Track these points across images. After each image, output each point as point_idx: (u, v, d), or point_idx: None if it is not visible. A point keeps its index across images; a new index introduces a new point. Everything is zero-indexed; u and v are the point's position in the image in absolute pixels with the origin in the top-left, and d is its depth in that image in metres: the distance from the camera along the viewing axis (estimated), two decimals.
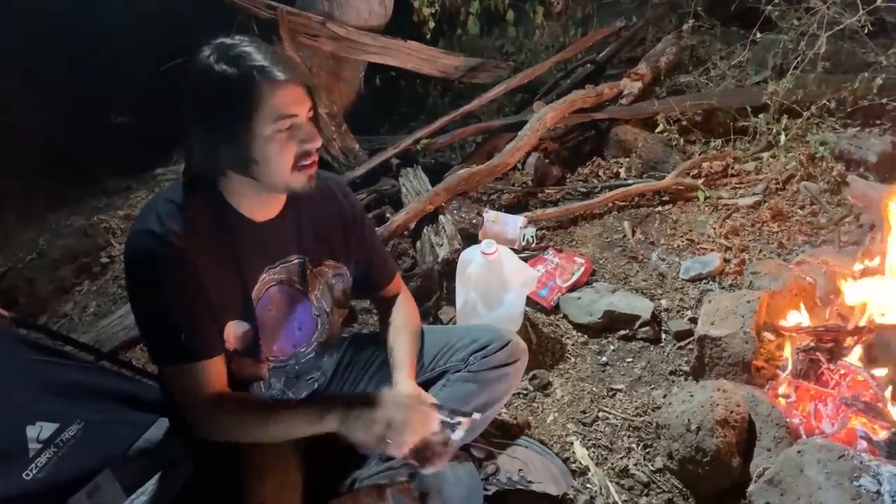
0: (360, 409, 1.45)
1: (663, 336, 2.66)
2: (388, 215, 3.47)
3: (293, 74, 1.38)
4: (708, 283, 2.91)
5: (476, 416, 1.64)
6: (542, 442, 2.14)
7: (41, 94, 4.65)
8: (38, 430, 1.74)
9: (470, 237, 3.25)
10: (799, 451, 1.72)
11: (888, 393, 1.98)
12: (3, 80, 4.58)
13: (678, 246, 3.21)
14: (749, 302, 2.33)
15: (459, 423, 1.59)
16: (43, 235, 3.91)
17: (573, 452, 2.16)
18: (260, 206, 1.54)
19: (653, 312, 2.69)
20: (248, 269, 1.54)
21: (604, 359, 2.58)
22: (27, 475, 1.67)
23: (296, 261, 1.65)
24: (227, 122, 1.36)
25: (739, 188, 3.59)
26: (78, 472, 1.78)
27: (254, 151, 1.38)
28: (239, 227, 1.51)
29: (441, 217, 3.22)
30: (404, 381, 1.71)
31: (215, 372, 1.49)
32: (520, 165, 3.93)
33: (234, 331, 1.54)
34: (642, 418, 2.28)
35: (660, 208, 3.56)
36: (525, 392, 2.43)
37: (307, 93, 1.42)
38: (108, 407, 1.96)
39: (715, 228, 3.27)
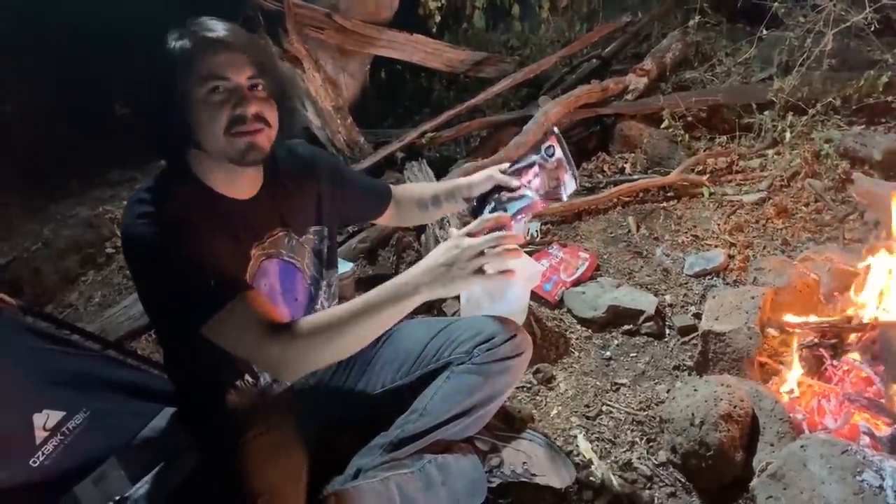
0: (436, 262, 1.39)
1: (667, 331, 2.66)
2: None
3: (225, 37, 1.41)
4: (712, 278, 2.92)
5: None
6: (545, 435, 2.14)
7: (45, 85, 4.65)
8: (45, 418, 1.74)
9: None
10: (802, 446, 1.72)
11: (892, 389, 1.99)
12: (6, 71, 4.58)
13: (682, 242, 3.22)
14: (753, 298, 2.33)
15: (551, 146, 1.66)
16: (48, 226, 3.93)
17: (577, 446, 2.17)
18: (236, 183, 1.55)
19: (657, 308, 2.69)
20: (239, 246, 1.57)
21: (608, 353, 2.58)
22: (34, 462, 1.68)
23: (281, 233, 1.68)
24: (166, 87, 1.39)
25: (744, 185, 3.59)
26: (84, 460, 1.79)
27: (191, 115, 1.40)
28: (221, 206, 1.53)
29: None
30: (467, 182, 1.84)
31: (261, 300, 1.44)
32: None
33: None
34: (646, 412, 2.28)
35: (664, 204, 3.56)
36: (529, 385, 2.43)
37: (250, 62, 1.43)
38: (114, 396, 1.96)
39: (719, 225, 3.27)
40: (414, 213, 2.05)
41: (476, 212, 1.81)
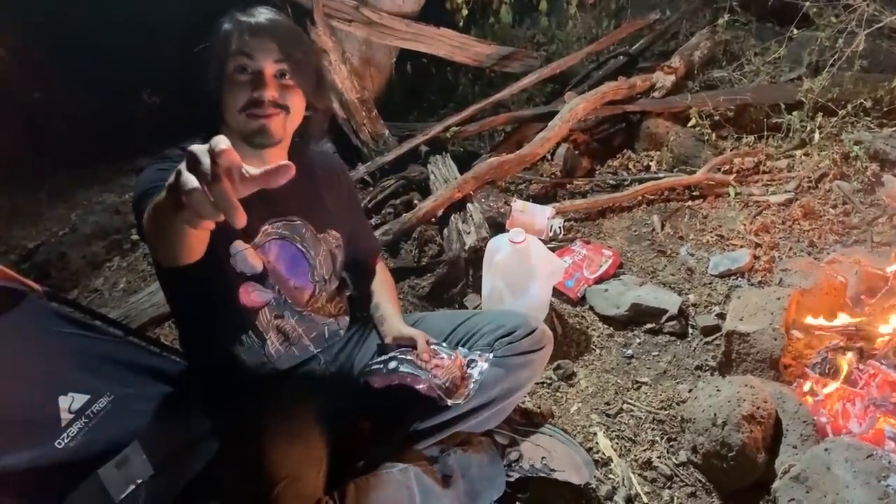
0: None
1: (690, 331, 2.65)
2: (415, 202, 3.48)
3: (261, 22, 1.51)
4: (737, 279, 2.89)
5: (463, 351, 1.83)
6: (565, 431, 2.14)
7: (75, 74, 4.69)
8: (70, 401, 1.76)
9: (497, 226, 3.25)
10: (826, 449, 1.71)
11: None
12: (36, 59, 4.63)
13: (707, 241, 3.19)
14: (779, 299, 2.31)
15: (475, 360, 1.78)
16: (75, 211, 3.97)
17: (596, 443, 2.16)
18: (255, 158, 1.59)
19: (680, 307, 2.67)
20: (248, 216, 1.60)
21: (629, 351, 2.57)
22: (59, 444, 1.70)
23: (298, 222, 1.72)
24: (206, 60, 1.52)
25: (771, 185, 3.55)
26: (107, 443, 1.80)
27: (220, 91, 1.51)
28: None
29: (469, 205, 3.22)
30: (401, 325, 1.88)
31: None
32: (549, 156, 3.93)
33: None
34: (667, 412, 2.27)
35: (690, 203, 3.53)
36: (549, 381, 2.43)
37: (280, 50, 1.50)
38: (137, 381, 1.98)
39: (745, 225, 3.24)
40: (365, 299, 2.07)
41: (380, 351, 1.88)
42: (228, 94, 1.50)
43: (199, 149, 0.89)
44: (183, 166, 0.90)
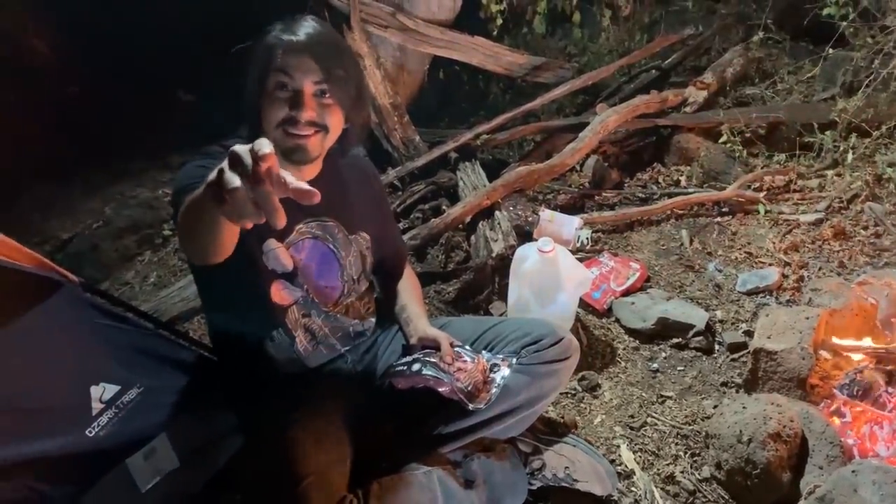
0: None
1: (717, 347, 2.64)
2: (444, 208, 3.50)
3: (302, 41, 1.51)
4: (764, 297, 2.87)
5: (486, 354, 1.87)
6: (588, 442, 2.14)
7: (112, 70, 4.75)
8: (101, 391, 1.79)
9: (524, 235, 3.25)
10: (854, 471, 1.69)
11: None
12: (72, 53, 4.69)
13: (736, 258, 3.18)
14: (808, 318, 2.29)
15: (498, 365, 1.82)
16: (109, 205, 4.02)
17: (619, 455, 2.16)
18: (291, 169, 1.61)
19: (707, 323, 2.66)
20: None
21: (655, 365, 2.56)
22: (89, 432, 1.72)
23: (330, 223, 1.75)
24: (246, 68, 1.55)
25: (801, 204, 3.52)
26: (136, 434, 1.83)
27: (260, 102, 1.53)
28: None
29: (497, 213, 3.23)
30: (426, 326, 1.91)
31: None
32: (578, 167, 3.93)
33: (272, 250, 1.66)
34: (691, 427, 2.26)
35: (719, 219, 3.52)
36: (573, 392, 2.43)
37: (320, 69, 1.51)
38: (166, 374, 2.01)
39: (774, 243, 3.22)
40: (391, 301, 2.10)
41: (405, 352, 1.93)
42: (267, 109, 1.52)
43: (241, 149, 0.91)
44: (225, 165, 0.93)
